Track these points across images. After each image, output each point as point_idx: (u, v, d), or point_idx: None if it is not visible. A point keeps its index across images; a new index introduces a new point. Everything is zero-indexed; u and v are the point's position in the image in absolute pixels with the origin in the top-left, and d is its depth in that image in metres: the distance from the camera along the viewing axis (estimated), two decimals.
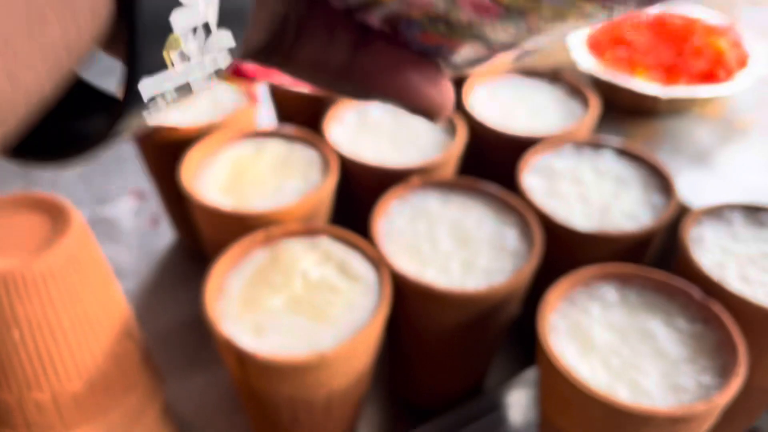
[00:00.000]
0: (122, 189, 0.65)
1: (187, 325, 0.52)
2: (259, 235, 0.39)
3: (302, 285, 0.36)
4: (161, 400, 0.40)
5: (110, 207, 0.63)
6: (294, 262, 0.38)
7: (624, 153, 0.47)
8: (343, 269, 0.37)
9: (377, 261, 0.37)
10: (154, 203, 0.63)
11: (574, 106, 0.52)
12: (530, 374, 0.46)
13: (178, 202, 0.54)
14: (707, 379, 0.33)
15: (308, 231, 0.39)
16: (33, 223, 0.33)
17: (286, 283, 0.37)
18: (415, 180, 0.43)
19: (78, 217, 0.33)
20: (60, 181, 0.66)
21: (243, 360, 0.33)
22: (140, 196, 0.64)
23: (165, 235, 0.60)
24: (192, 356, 0.50)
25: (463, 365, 0.43)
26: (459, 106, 0.51)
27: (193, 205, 0.42)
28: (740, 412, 0.41)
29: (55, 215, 0.33)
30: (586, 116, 0.50)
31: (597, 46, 0.60)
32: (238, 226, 0.41)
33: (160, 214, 0.62)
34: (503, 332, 0.42)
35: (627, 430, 0.31)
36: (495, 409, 0.46)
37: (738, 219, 0.41)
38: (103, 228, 0.61)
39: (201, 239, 0.45)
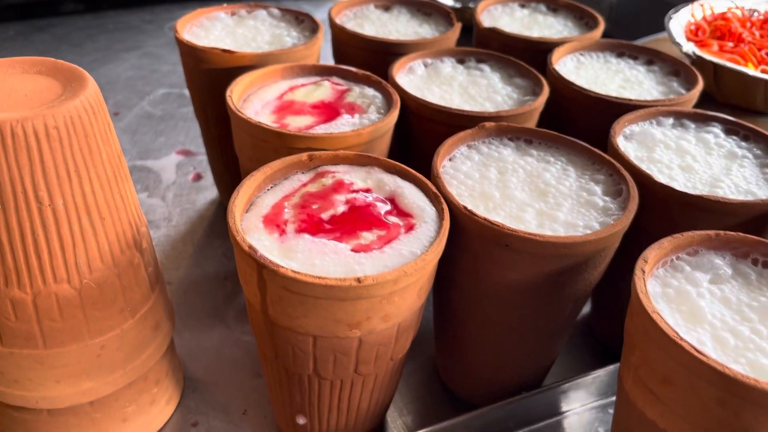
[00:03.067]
0: (170, 147, 0.61)
1: (213, 280, 0.46)
2: (302, 156, 0.33)
3: (345, 211, 0.30)
4: (166, 335, 0.34)
5: (154, 161, 0.59)
6: (337, 188, 0.32)
7: (735, 130, 0.40)
8: (396, 201, 0.31)
9: (436, 196, 0.31)
10: (200, 162, 0.59)
11: (673, 84, 0.45)
12: (601, 378, 0.38)
13: (221, 153, 0.49)
14: None
15: (358, 160, 0.34)
16: (44, 85, 0.28)
17: (326, 207, 0.31)
18: (486, 124, 0.37)
19: (92, 86, 0.28)
20: None
21: (264, 277, 0.27)
22: (186, 153, 0.60)
23: (207, 192, 0.55)
24: (212, 312, 0.44)
25: (525, 344, 0.35)
26: (545, 69, 0.45)
27: (237, 123, 0.37)
28: None
29: (71, 81, 0.28)
30: (687, 94, 0.43)
31: (698, 36, 0.53)
32: (282, 148, 0.35)
33: (206, 170, 0.57)
34: (578, 306, 0.35)
35: (745, 414, 0.23)
36: (555, 414, 0.38)
37: None
38: (143, 177, 0.56)
39: (241, 171, 0.40)
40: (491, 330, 0.35)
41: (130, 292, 0.31)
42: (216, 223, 0.52)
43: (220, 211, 0.53)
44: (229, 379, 0.39)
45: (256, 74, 0.41)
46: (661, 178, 0.35)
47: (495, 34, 0.50)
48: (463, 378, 0.39)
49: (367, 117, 0.38)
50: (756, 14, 0.57)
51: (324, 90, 0.41)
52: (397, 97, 0.39)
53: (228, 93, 0.38)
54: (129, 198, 0.30)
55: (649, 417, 0.27)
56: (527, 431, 0.38)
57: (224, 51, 0.43)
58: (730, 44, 0.52)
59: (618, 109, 0.41)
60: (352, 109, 0.39)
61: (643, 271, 0.27)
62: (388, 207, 0.31)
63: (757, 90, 0.48)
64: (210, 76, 0.44)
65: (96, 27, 0.82)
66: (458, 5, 0.83)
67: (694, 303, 0.28)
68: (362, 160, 0.34)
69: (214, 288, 0.46)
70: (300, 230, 0.29)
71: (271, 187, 0.32)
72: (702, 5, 0.57)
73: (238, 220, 0.29)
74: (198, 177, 0.57)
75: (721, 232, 0.30)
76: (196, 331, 0.42)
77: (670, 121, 0.40)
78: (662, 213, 0.34)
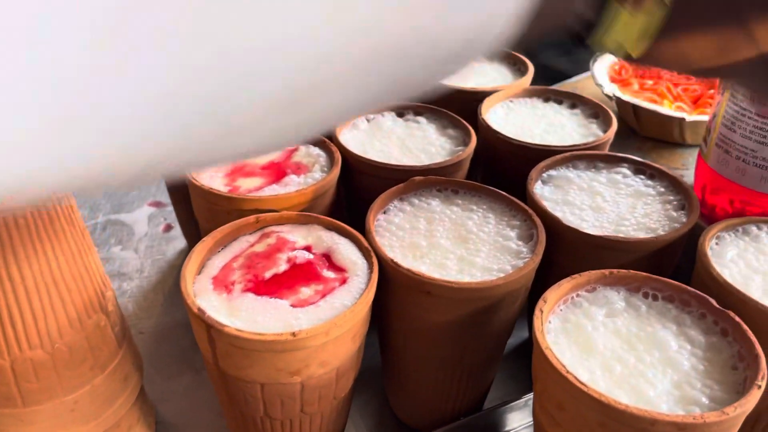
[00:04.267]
0: (141, 200, 0.65)
1: (182, 326, 0.50)
2: (250, 218, 0.37)
3: (286, 269, 0.35)
4: (135, 385, 0.38)
5: (126, 214, 0.63)
6: (280, 246, 0.36)
7: (642, 170, 0.44)
8: (332, 257, 0.35)
9: (367, 250, 0.35)
10: (170, 212, 0.63)
11: (593, 127, 0.50)
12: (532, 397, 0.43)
13: (186, 205, 0.53)
14: (723, 394, 0.29)
15: (300, 219, 0.38)
16: None
17: (270, 266, 0.35)
18: (415, 179, 0.41)
19: None
20: None
21: (213, 337, 0.31)
22: (157, 204, 0.64)
23: (176, 242, 0.59)
24: (181, 357, 0.48)
25: (460, 376, 0.39)
26: (475, 119, 0.50)
27: (193, 188, 0.41)
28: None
29: None
30: (603, 135, 0.47)
31: (621, 76, 0.58)
32: (233, 211, 0.39)
33: (175, 221, 0.61)
34: (501, 342, 0.39)
35: None
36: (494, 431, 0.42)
37: (765, 235, 0.38)
38: (117, 230, 0.60)
39: (200, 230, 0.44)
40: (426, 364, 0.39)
41: (98, 351, 0.35)
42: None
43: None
44: (198, 420, 0.43)
45: None
46: (571, 219, 0.40)
47: None
48: (409, 407, 0.43)
49: (312, 176, 0.43)
50: None
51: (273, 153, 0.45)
52: (338, 156, 0.43)
53: None
54: (93, 267, 0.34)
55: None
56: None
57: None
58: (650, 82, 0.57)
59: (539, 154, 0.45)
60: (298, 168, 0.43)
61: (541, 311, 0.32)
62: (325, 263, 0.35)
63: (673, 126, 0.53)
64: None
65: None
66: None
67: (588, 336, 0.32)
68: (304, 219, 0.38)
69: (182, 334, 0.50)
70: (245, 289, 0.33)
71: (222, 249, 0.36)
72: None
73: (189, 283, 0.33)
74: (168, 228, 0.61)
75: (615, 270, 0.34)
76: (166, 376, 0.46)
77: (584, 164, 0.45)
78: (572, 252, 0.39)
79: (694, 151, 0.54)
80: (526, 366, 0.48)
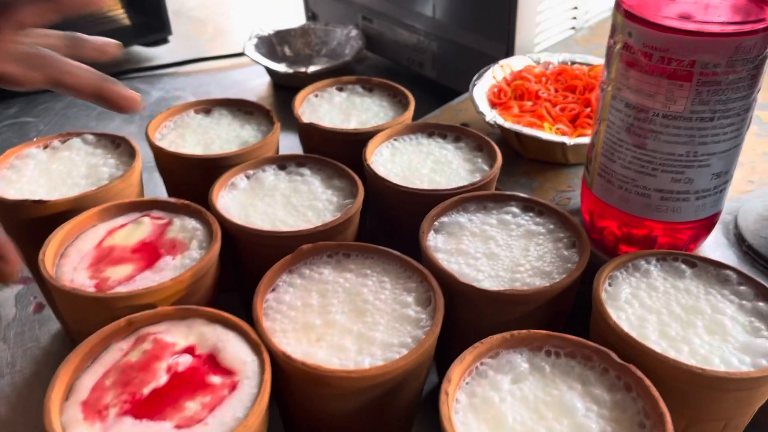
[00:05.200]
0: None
1: None
2: (120, 322, 0.34)
3: (167, 381, 0.31)
4: None
5: None
6: (158, 353, 0.32)
7: (531, 206, 0.44)
8: (218, 357, 0.32)
9: (257, 344, 0.33)
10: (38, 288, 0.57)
11: (478, 161, 0.49)
12: None
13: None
14: None
15: (179, 314, 0.35)
16: None
17: (148, 379, 0.31)
18: (303, 248, 0.39)
19: None
20: None
21: None
22: (24, 281, 0.58)
23: (50, 324, 0.53)
24: None
25: None
26: (361, 165, 0.48)
27: (54, 290, 0.37)
28: None
29: None
30: (489, 171, 0.47)
31: (499, 99, 0.58)
32: (102, 312, 0.35)
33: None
34: (411, 413, 0.37)
35: None
36: None
37: (654, 268, 0.38)
38: None
39: (69, 332, 0.40)
40: None
41: None
42: (62, 360, 0.50)
43: (66, 344, 0.52)
44: None
45: (70, 224, 0.40)
46: (467, 272, 0.39)
47: (314, 129, 0.52)
48: None
49: (189, 255, 0.39)
50: (551, 66, 0.63)
51: (144, 228, 0.41)
52: (217, 228, 0.40)
53: (40, 257, 0.37)
54: None
55: None
56: None
57: (34, 202, 0.42)
58: (529, 103, 0.57)
59: (429, 199, 0.44)
60: (173, 247, 0.40)
61: (447, 393, 0.30)
62: (211, 366, 0.32)
63: (555, 148, 0.53)
64: (28, 228, 0.43)
65: None
66: (290, 71, 0.85)
67: (497, 410, 0.31)
68: (183, 314, 0.35)
69: None
70: (121, 412, 0.30)
71: (92, 362, 0.33)
72: (502, 66, 0.62)
73: (55, 416, 0.29)
74: (39, 307, 0.55)
75: (516, 333, 0.33)
76: None
77: (474, 205, 0.44)
78: (471, 307, 0.38)
79: (578, 171, 0.55)
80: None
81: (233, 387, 0.31)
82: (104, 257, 0.39)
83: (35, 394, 0.48)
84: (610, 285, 0.37)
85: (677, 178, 0.40)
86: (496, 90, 0.59)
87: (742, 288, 0.37)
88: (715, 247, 0.47)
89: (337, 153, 0.49)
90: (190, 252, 0.39)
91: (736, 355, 0.33)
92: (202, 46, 1.05)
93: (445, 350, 0.38)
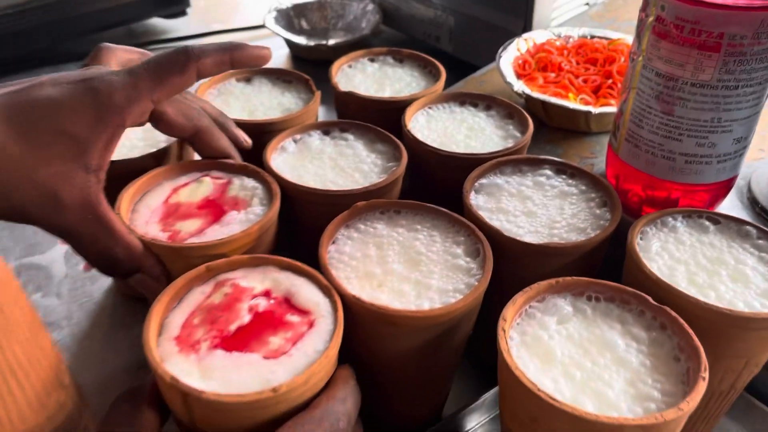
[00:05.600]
0: (53, 238, 0.61)
1: (126, 372, 0.49)
2: (200, 268, 0.37)
3: (250, 320, 0.34)
4: None
5: (40, 255, 0.59)
6: (238, 295, 0.36)
7: (563, 170, 0.47)
8: (293, 300, 0.36)
9: (328, 288, 0.36)
10: None
11: (509, 128, 0.52)
12: (489, 398, 0.45)
13: None
14: (670, 386, 0.32)
15: (253, 262, 0.38)
16: None
17: (232, 318, 0.34)
18: (359, 205, 0.42)
19: None
20: None
21: (189, 402, 0.31)
22: None
23: (101, 281, 0.56)
24: None
25: (422, 390, 0.41)
26: (401, 131, 0.51)
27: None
28: (700, 419, 0.41)
29: None
30: (521, 137, 0.50)
31: (526, 70, 0.61)
32: (178, 261, 0.38)
33: None
34: (460, 353, 0.41)
35: None
36: None
37: (681, 225, 0.42)
38: (33, 276, 0.57)
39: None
40: (394, 384, 0.40)
41: (61, 429, 0.33)
42: (116, 313, 0.53)
43: (117, 299, 0.55)
44: None
45: (137, 183, 0.43)
46: (509, 228, 0.42)
47: (352, 97, 0.55)
48: (384, 416, 0.44)
49: (253, 211, 0.42)
50: (571, 40, 0.66)
51: (206, 186, 0.44)
52: (276, 188, 0.43)
53: (116, 210, 0.40)
54: (47, 345, 0.33)
55: None
56: None
57: None
58: (553, 75, 0.60)
59: (466, 162, 0.47)
60: (236, 204, 0.43)
61: (504, 330, 0.34)
62: (288, 307, 0.35)
63: (579, 117, 0.56)
64: None
65: None
66: (311, 43, 0.87)
67: (546, 346, 0.34)
68: (256, 262, 0.38)
69: (128, 381, 0.48)
70: (213, 346, 0.33)
71: (177, 305, 0.36)
72: (525, 39, 0.65)
73: (154, 349, 0.32)
74: (89, 265, 0.58)
75: (561, 279, 0.37)
76: None
77: (510, 168, 0.47)
78: (515, 260, 0.41)
79: (600, 139, 0.58)
80: (471, 362, 0.51)
81: (311, 324, 0.34)
82: (173, 213, 0.42)
83: (95, 344, 0.51)
84: (641, 239, 0.41)
85: (701, 142, 0.44)
86: (521, 62, 0.62)
87: (761, 242, 0.40)
88: (730, 208, 0.50)
89: (373, 120, 0.52)
90: (252, 208, 0.42)
91: (757, 299, 0.37)
92: (219, 18, 1.06)
93: (487, 299, 0.42)
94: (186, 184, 0.44)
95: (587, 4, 0.81)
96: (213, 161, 0.46)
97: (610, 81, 0.59)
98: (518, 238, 0.41)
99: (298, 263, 0.37)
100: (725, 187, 0.47)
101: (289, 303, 0.35)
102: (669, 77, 0.42)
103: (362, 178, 0.46)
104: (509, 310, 0.35)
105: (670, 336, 0.34)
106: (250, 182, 0.44)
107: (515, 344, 0.34)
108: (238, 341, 0.33)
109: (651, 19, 0.43)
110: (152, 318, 0.34)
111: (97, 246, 0.37)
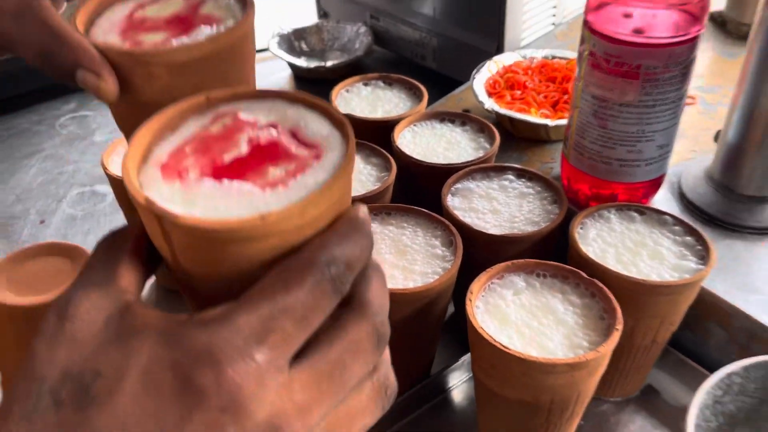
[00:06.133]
0: None
1: None
2: (198, 97, 0.31)
3: (249, 150, 0.29)
4: None
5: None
6: (240, 126, 0.30)
7: (523, 174, 0.58)
8: (300, 133, 0.30)
9: (341, 121, 0.30)
10: None
11: (481, 140, 0.63)
12: (467, 359, 0.56)
13: None
14: (597, 338, 0.43)
15: (260, 94, 0.32)
16: (57, 265, 0.40)
17: (229, 148, 0.29)
18: None
19: None
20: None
21: (166, 229, 0.26)
22: None
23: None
24: None
25: (413, 353, 0.52)
26: (391, 145, 0.61)
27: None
28: (632, 368, 0.52)
29: (74, 259, 0.41)
30: (490, 149, 0.61)
31: (495, 89, 0.72)
32: (136, 68, 0.33)
33: None
34: (440, 323, 0.52)
35: (538, 378, 0.41)
36: (442, 392, 0.56)
37: (613, 216, 0.53)
38: None
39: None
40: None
41: None
42: (158, 307, 0.64)
43: (160, 293, 0.66)
44: None
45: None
46: (478, 223, 0.53)
47: (349, 118, 0.65)
48: None
49: (226, 25, 0.36)
50: (535, 60, 0.77)
51: (175, 4, 0.39)
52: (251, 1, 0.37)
53: (71, 21, 0.35)
54: None
55: (489, 386, 0.45)
56: (428, 406, 0.55)
57: None
58: (519, 92, 0.71)
59: (445, 170, 0.58)
60: (208, 20, 0.37)
61: (470, 300, 0.44)
62: (294, 140, 0.29)
63: (540, 129, 0.67)
64: None
65: None
66: (311, 65, 0.98)
67: (503, 312, 0.45)
68: (264, 95, 0.32)
69: None
70: (202, 174, 0.28)
71: (170, 134, 0.30)
72: (496, 62, 0.75)
73: (133, 172, 0.27)
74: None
75: (515, 261, 0.48)
76: None
77: (480, 175, 0.58)
78: (482, 248, 0.52)
79: (558, 146, 0.69)
80: (454, 336, 0.61)
81: (317, 157, 0.28)
82: (137, 26, 0.37)
83: None
84: (581, 228, 0.51)
85: (631, 150, 0.55)
86: (491, 82, 0.73)
87: (676, 227, 0.51)
88: (664, 201, 0.61)
89: (368, 137, 0.63)
90: (227, 23, 0.36)
91: (668, 272, 0.48)
92: None
93: (462, 280, 0.52)
94: (155, 1, 0.39)
95: (554, 24, 0.91)
96: None
97: (566, 96, 0.70)
98: (485, 230, 0.51)
99: (310, 96, 0.31)
100: (655, 184, 0.58)
101: (295, 136, 0.30)
102: (602, 99, 0.53)
103: (360, 186, 0.57)
104: (475, 286, 0.46)
105: (597, 301, 0.45)
106: (224, 1, 0.38)
107: (480, 311, 0.45)
108: (231, 171, 0.28)
109: (586, 53, 0.53)
110: (135, 142, 0.29)
111: (41, 48, 0.33)
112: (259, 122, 0.30)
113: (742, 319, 0.52)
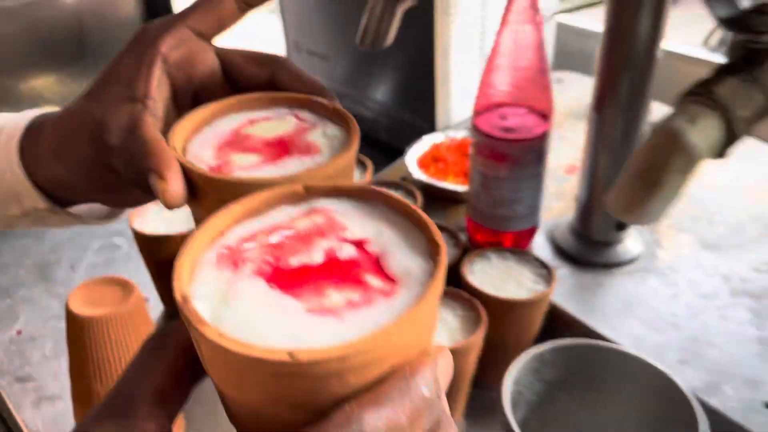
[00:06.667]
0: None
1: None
2: (296, 186, 0.29)
3: (321, 262, 0.26)
4: None
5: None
6: (328, 228, 0.28)
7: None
8: (386, 258, 0.27)
9: (436, 250, 0.27)
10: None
11: (410, 200, 0.86)
12: None
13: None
14: (469, 335, 0.65)
15: (364, 194, 0.30)
16: (113, 291, 0.62)
17: (301, 251, 0.27)
18: None
19: (137, 289, 0.62)
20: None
21: (196, 338, 0.23)
22: None
23: None
24: None
25: None
26: None
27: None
28: (501, 364, 0.74)
29: (124, 288, 0.62)
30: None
31: (424, 162, 0.95)
32: (209, 191, 0.32)
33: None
34: None
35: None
36: None
37: (494, 256, 0.75)
38: None
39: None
40: None
41: None
42: None
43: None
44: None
45: (216, 106, 0.37)
46: None
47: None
48: None
49: (316, 160, 0.34)
50: (456, 139, 1.01)
51: (287, 125, 0.37)
52: (355, 130, 0.35)
53: (173, 128, 0.35)
54: None
55: None
56: None
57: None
58: (441, 165, 0.95)
59: None
60: (307, 149, 0.35)
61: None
62: (375, 265, 0.26)
63: (455, 193, 0.90)
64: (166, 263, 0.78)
65: None
66: None
67: None
68: (367, 195, 0.29)
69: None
70: (256, 272, 0.25)
71: (256, 217, 0.29)
72: (425, 141, 0.99)
73: (188, 256, 0.25)
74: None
75: None
76: None
77: None
78: None
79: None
80: None
81: (388, 294, 0.25)
82: (236, 143, 0.35)
83: None
84: (471, 264, 0.74)
85: (508, 209, 0.78)
86: (421, 156, 0.97)
87: (535, 262, 0.74)
88: (541, 245, 0.84)
89: None
90: (323, 155, 0.34)
91: (525, 293, 0.70)
92: None
93: None
94: (268, 119, 0.38)
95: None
96: (307, 98, 0.38)
97: None
98: None
99: (415, 208, 0.29)
100: (530, 233, 0.81)
101: (378, 262, 0.26)
102: (484, 174, 0.77)
103: None
104: None
105: (474, 312, 0.67)
106: (332, 130, 0.36)
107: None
108: (288, 279, 0.25)
109: (474, 142, 0.77)
110: (209, 224, 0.27)
111: (131, 156, 0.34)
112: (349, 232, 0.28)
113: (585, 329, 0.74)
